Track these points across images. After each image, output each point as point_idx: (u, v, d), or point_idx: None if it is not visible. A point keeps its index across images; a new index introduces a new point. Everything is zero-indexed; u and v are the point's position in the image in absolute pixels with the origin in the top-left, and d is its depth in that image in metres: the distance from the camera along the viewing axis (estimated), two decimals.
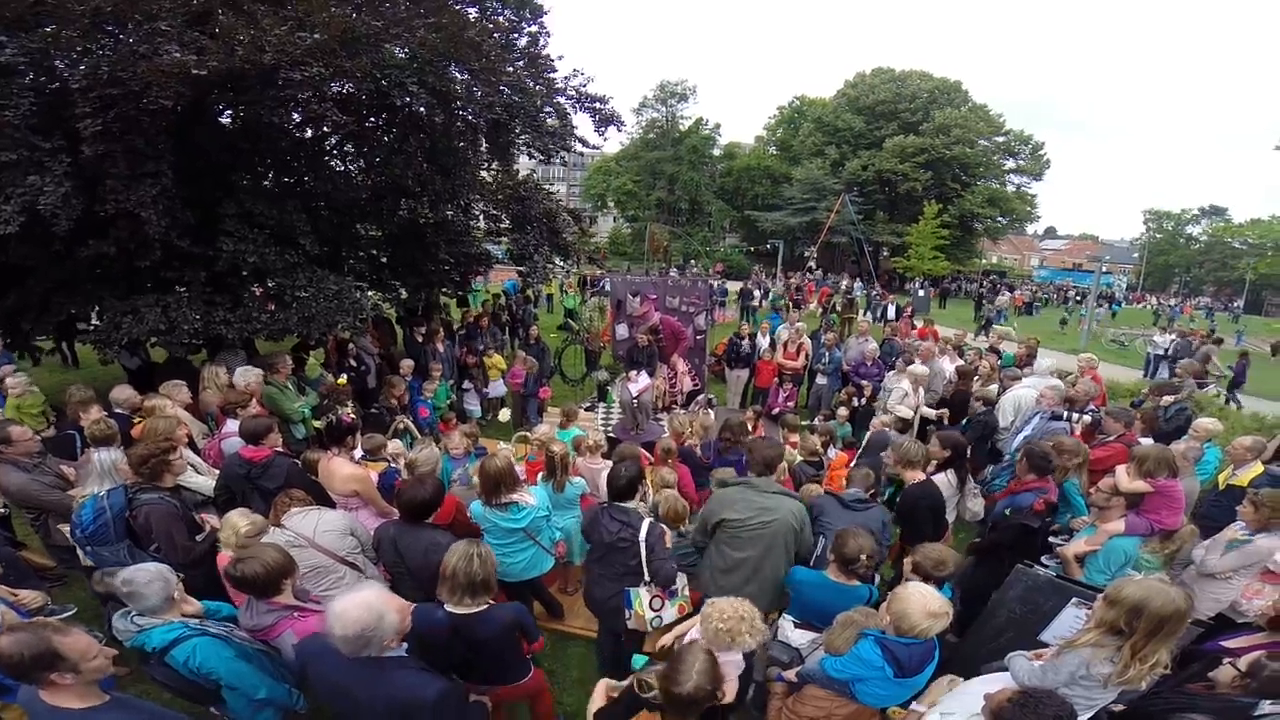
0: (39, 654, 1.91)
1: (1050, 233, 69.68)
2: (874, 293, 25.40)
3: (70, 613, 3.38)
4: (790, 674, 2.94)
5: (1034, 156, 40.15)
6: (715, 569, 3.59)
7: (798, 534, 3.50)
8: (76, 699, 2.01)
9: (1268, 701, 2.52)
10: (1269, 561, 3.63)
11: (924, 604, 2.53)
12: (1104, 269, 32.83)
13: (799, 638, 3.27)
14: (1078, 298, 36.50)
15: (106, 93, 5.12)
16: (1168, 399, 6.71)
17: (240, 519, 3.25)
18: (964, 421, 6.71)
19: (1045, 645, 3.06)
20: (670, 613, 3.45)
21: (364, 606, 2.16)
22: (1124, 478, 3.82)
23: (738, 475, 4.47)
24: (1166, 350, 14.69)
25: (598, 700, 2.51)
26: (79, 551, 3.61)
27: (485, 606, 2.66)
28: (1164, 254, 52.66)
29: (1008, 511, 4.04)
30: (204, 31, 5.58)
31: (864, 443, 6.27)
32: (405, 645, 2.36)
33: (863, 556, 3.02)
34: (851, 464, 5.53)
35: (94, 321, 6.45)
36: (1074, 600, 3.13)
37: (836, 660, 2.67)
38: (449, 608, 2.62)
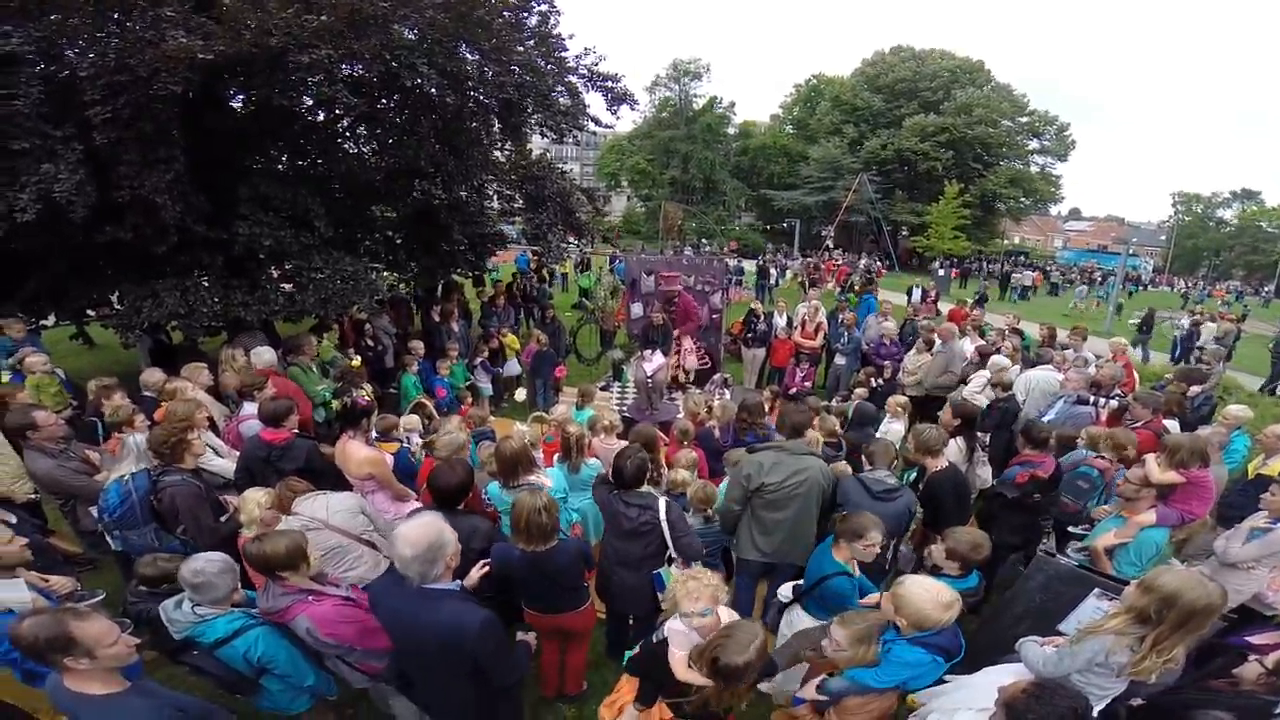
0: (53, 637, 1.95)
1: (1075, 214, 67.91)
2: (861, 267, 24.75)
3: (99, 598, 3.40)
4: (812, 690, 2.87)
5: (1059, 137, 39.23)
6: (754, 533, 3.84)
7: (824, 491, 3.76)
8: (97, 685, 2.04)
9: None
10: None
11: (934, 599, 2.52)
12: (1130, 251, 32.06)
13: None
14: (1099, 279, 35.80)
15: (115, 80, 5.11)
16: (1195, 389, 6.53)
17: (258, 494, 3.34)
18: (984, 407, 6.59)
19: (1065, 636, 3.00)
20: None
21: (426, 525, 2.34)
22: (1155, 469, 3.71)
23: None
24: (1192, 333, 14.35)
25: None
26: (107, 536, 3.67)
27: (556, 543, 3.04)
28: (1192, 237, 51.33)
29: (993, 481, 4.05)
30: (210, 16, 5.54)
31: (850, 414, 6.22)
32: (458, 582, 2.52)
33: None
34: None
35: (116, 305, 6.53)
36: (1096, 591, 3.06)
37: (877, 672, 2.63)
38: (523, 548, 2.98)
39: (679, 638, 2.50)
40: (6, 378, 5.75)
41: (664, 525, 3.41)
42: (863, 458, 4.28)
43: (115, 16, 5.50)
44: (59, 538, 4.51)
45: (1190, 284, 38.46)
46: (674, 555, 3.50)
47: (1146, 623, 2.31)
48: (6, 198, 5.07)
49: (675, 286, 8.87)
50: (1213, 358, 8.10)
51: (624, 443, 4.74)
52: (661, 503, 3.47)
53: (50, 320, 7.48)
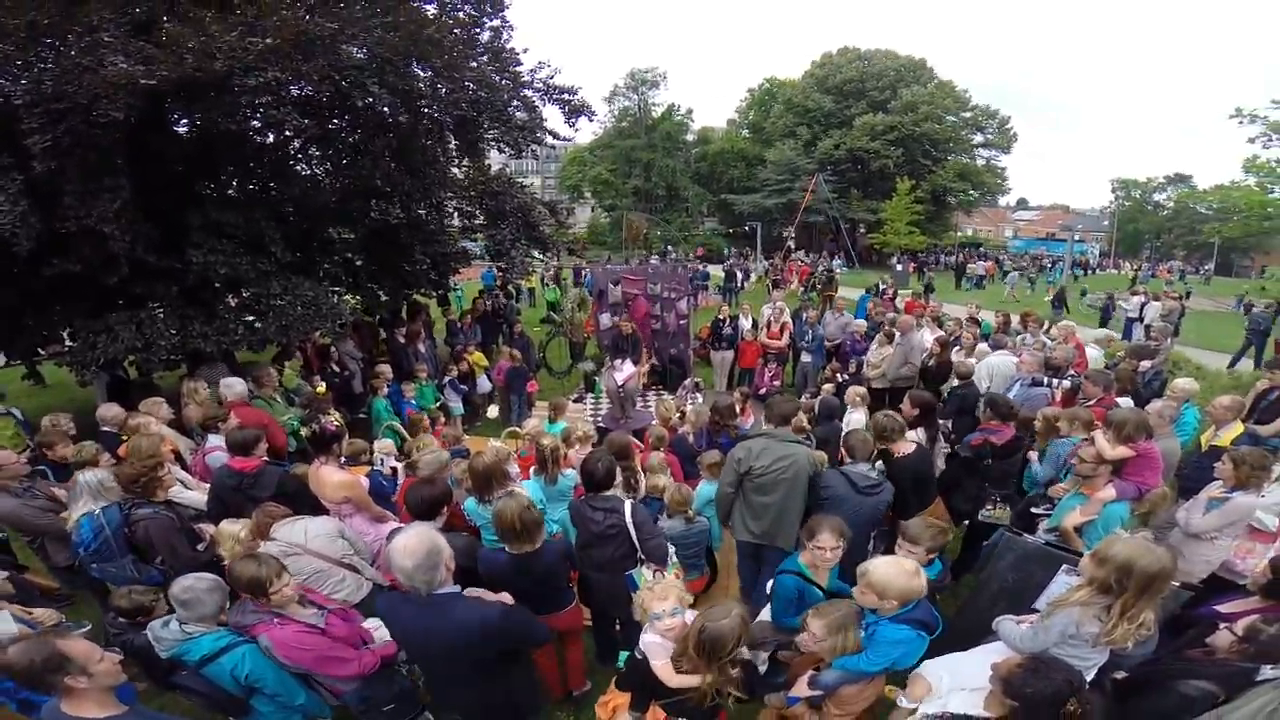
0: (47, 657, 1.95)
1: (1022, 204, 70.30)
2: (820, 269, 25.16)
3: (85, 629, 3.35)
4: (804, 686, 2.89)
5: (1001, 131, 40.86)
6: (745, 515, 3.98)
7: (811, 478, 3.89)
8: (95, 708, 2.03)
9: (1268, 666, 2.54)
10: (1252, 519, 3.67)
11: (901, 570, 2.59)
12: (1076, 237, 33.44)
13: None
14: (1049, 264, 37.33)
15: (53, 107, 4.98)
16: (1145, 364, 6.83)
17: (233, 526, 3.36)
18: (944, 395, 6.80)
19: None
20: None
21: (419, 535, 2.42)
22: (1106, 446, 3.85)
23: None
24: (1139, 313, 14.99)
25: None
26: (87, 568, 3.63)
27: (540, 544, 3.07)
28: (1133, 221, 53.58)
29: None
30: (150, 40, 5.41)
31: (816, 407, 6.38)
32: (457, 586, 2.58)
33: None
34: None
35: (69, 342, 6.31)
36: (1064, 568, 3.16)
37: (868, 655, 2.66)
38: (510, 550, 3.03)
39: (656, 649, 2.55)
40: None
41: (630, 527, 3.46)
42: (842, 451, 4.38)
43: (49, 42, 5.36)
44: (33, 574, 4.46)
45: (1136, 266, 40.19)
46: (642, 556, 3.54)
47: (1109, 592, 2.40)
48: None
49: (633, 290, 9.29)
50: (1160, 334, 8.47)
51: None
52: (627, 505, 3.52)
53: None
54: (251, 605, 2.66)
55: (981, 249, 46.01)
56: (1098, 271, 39.62)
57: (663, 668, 2.49)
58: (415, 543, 2.37)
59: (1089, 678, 2.52)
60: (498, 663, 2.61)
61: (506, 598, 2.82)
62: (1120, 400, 5.46)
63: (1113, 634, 2.38)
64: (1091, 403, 5.33)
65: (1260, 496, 3.69)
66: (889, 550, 3.69)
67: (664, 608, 2.52)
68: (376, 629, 3.05)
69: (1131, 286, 23.53)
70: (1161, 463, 4.12)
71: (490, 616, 2.48)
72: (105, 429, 4.91)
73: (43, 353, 7.12)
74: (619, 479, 4.04)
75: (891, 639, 2.62)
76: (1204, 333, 16.24)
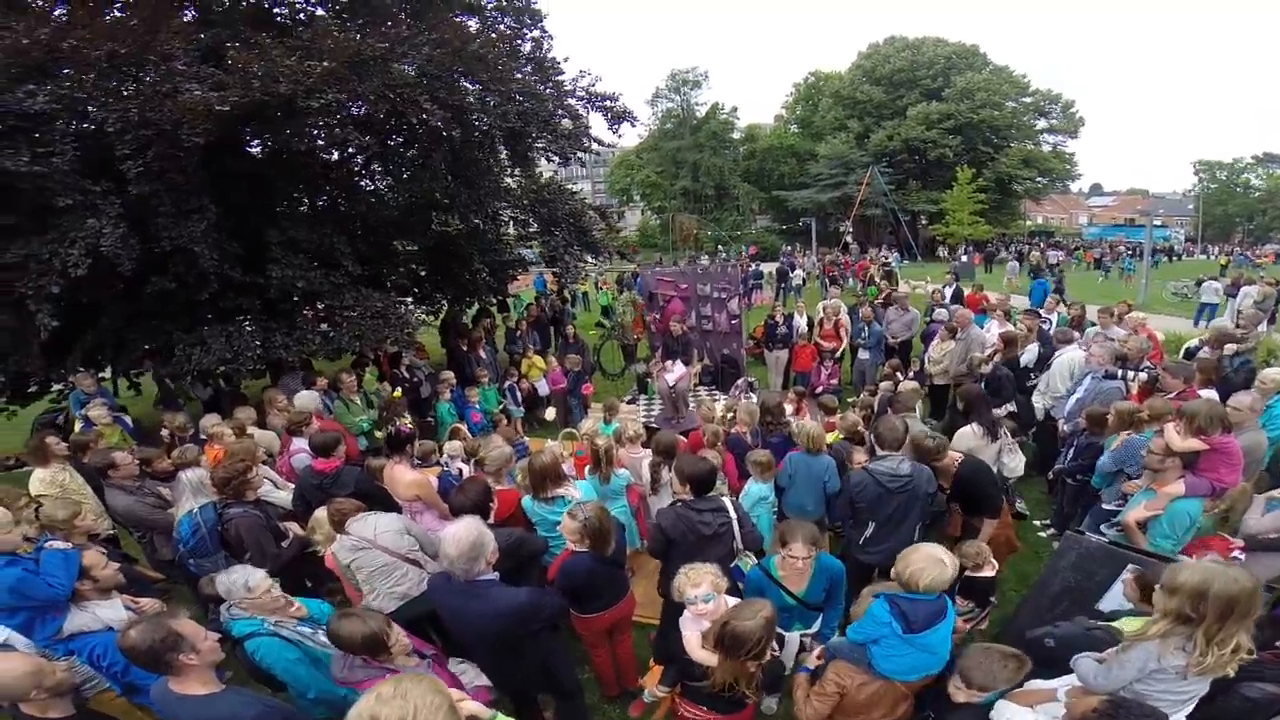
0: (165, 636, 2.13)
1: (1096, 189, 66.19)
2: (891, 261, 24.15)
3: (184, 614, 3.71)
4: (814, 658, 2.94)
5: (1066, 115, 38.93)
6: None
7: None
8: (199, 685, 2.22)
9: None
10: None
11: (929, 554, 2.50)
12: (1157, 222, 31.22)
13: None
14: (1129, 253, 34.91)
15: (141, 134, 5.42)
16: (1230, 347, 6.36)
17: (324, 513, 3.68)
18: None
19: (1103, 615, 2.99)
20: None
21: (468, 529, 2.67)
22: (1175, 437, 3.65)
23: (776, 457, 4.63)
24: (1226, 298, 13.96)
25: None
26: (186, 564, 3.99)
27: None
28: (1221, 204, 49.72)
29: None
30: (219, 66, 5.81)
31: (875, 405, 6.35)
32: (495, 573, 2.83)
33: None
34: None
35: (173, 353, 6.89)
36: (1129, 568, 3.05)
37: (855, 624, 2.69)
38: (594, 553, 3.18)
39: (690, 624, 2.68)
40: (79, 426, 6.11)
41: (734, 523, 3.54)
42: (872, 439, 4.27)
43: (127, 71, 5.79)
44: (140, 568, 4.81)
45: (1227, 251, 37.15)
46: (739, 547, 3.59)
47: (1189, 622, 2.18)
48: (60, 254, 5.36)
49: (668, 292, 9.44)
50: (1251, 321, 7.79)
51: (648, 451, 4.91)
52: (727, 502, 3.61)
53: (107, 372, 7.91)
54: (359, 660, 2.60)
55: (1054, 237, 43.52)
56: (1183, 258, 36.92)
57: (690, 638, 2.62)
58: (464, 534, 2.65)
59: (1187, 711, 2.32)
60: (530, 639, 2.91)
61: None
62: (1203, 393, 5.14)
63: (1204, 663, 2.14)
64: (1172, 396, 5.04)
65: None
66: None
67: (698, 593, 2.62)
68: (462, 673, 3.02)
69: (1222, 272, 21.86)
70: (1242, 459, 3.82)
71: (520, 600, 2.77)
72: (203, 436, 5.34)
73: (143, 366, 7.74)
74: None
75: (871, 612, 2.57)
76: None
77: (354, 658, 2.61)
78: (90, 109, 5.80)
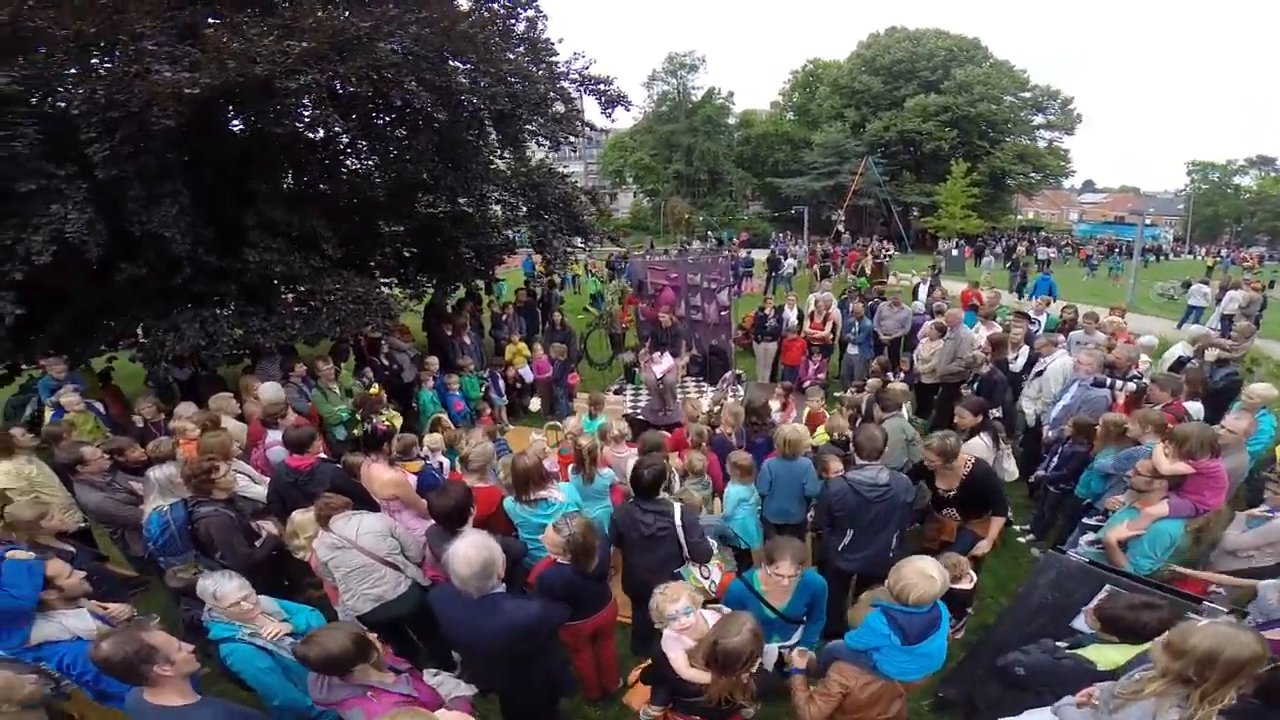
0: (138, 649, 2.09)
1: (1088, 186, 66.43)
2: (881, 253, 24.00)
3: (154, 621, 3.61)
4: (801, 661, 2.95)
5: (1064, 111, 38.93)
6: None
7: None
8: (176, 695, 2.18)
9: None
10: None
11: (919, 569, 2.52)
12: (1148, 221, 31.46)
13: None
14: (1118, 251, 35.18)
15: (108, 116, 5.18)
16: (1212, 352, 6.37)
17: (305, 516, 3.66)
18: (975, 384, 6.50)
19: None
20: (716, 575, 3.81)
21: (477, 547, 2.64)
22: (1164, 460, 3.64)
23: (759, 460, 4.63)
24: (1213, 302, 14.05)
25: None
26: (158, 560, 3.89)
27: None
28: (1211, 205, 50.15)
29: None
30: (194, 46, 5.54)
31: (862, 405, 6.33)
32: (503, 585, 2.81)
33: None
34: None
35: (141, 339, 6.69)
36: (1107, 588, 3.07)
37: (854, 632, 2.72)
38: (576, 566, 3.16)
39: (672, 644, 2.67)
40: (50, 415, 5.93)
41: (679, 530, 3.57)
42: (851, 448, 4.20)
43: (96, 52, 5.55)
44: (113, 564, 4.72)
45: (1214, 252, 37.56)
46: (686, 556, 3.66)
47: (1188, 684, 2.12)
48: (23, 240, 5.14)
49: (660, 281, 9.39)
50: (1241, 334, 7.71)
51: (634, 450, 4.86)
52: (676, 509, 3.63)
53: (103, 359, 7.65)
54: (336, 680, 2.52)
55: (1043, 233, 43.72)
56: (1171, 257, 37.27)
57: (679, 659, 2.61)
58: (474, 554, 2.61)
59: None
60: (538, 651, 2.91)
61: None
62: (1189, 405, 5.15)
63: (1195, 718, 2.10)
64: (1158, 408, 5.03)
65: None
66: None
67: (676, 609, 2.65)
68: (440, 684, 2.92)
69: (1208, 274, 22.04)
70: (1227, 482, 3.82)
71: (530, 614, 2.76)
72: (172, 426, 5.14)
73: (115, 352, 7.52)
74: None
75: (869, 624, 2.61)
76: None
77: (329, 678, 2.53)
78: (59, 89, 5.57)
